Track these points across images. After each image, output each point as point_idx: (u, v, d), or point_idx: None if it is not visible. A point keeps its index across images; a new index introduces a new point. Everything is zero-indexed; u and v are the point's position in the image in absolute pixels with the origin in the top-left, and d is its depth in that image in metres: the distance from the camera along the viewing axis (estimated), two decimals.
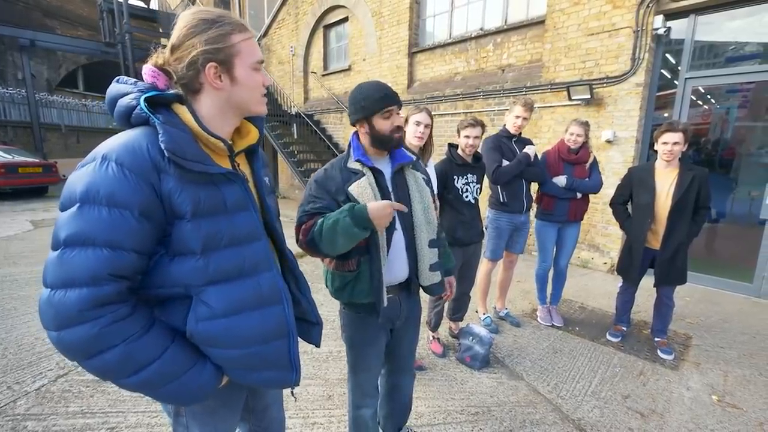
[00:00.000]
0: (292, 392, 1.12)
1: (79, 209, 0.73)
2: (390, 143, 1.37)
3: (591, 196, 3.11)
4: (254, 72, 0.89)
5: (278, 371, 0.97)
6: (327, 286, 1.47)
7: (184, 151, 0.78)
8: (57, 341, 0.74)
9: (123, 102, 0.82)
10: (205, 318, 0.85)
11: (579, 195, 2.99)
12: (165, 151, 0.76)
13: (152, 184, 0.77)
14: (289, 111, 9.72)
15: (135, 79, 0.85)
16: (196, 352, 0.88)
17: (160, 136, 0.77)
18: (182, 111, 0.85)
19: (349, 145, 1.42)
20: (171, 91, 0.86)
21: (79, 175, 0.76)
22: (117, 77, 0.87)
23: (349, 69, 8.43)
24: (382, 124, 1.34)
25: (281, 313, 0.95)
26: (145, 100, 0.79)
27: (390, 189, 1.40)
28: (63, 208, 0.76)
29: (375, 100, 1.32)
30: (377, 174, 1.37)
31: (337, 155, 9.08)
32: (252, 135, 1.01)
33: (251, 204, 0.93)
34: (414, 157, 1.48)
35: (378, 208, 1.20)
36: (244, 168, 1.01)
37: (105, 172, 0.74)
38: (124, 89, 0.83)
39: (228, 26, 0.85)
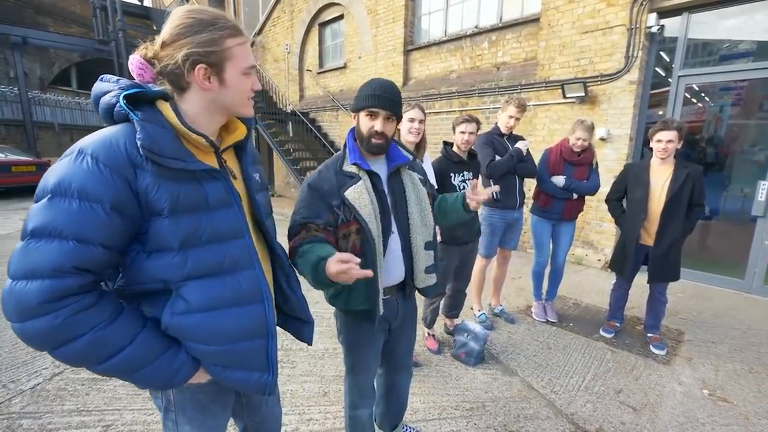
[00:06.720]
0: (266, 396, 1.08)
1: (50, 201, 0.73)
2: (363, 143, 1.34)
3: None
4: (244, 77, 0.89)
5: (254, 371, 0.97)
6: (323, 292, 1.43)
7: (162, 147, 0.78)
8: (20, 333, 0.73)
9: (105, 99, 0.82)
10: (181, 312, 0.85)
11: (575, 196, 3.00)
12: (140, 149, 0.76)
13: (127, 179, 0.76)
14: (284, 109, 9.69)
15: (118, 77, 0.85)
16: (168, 337, 0.88)
17: (137, 132, 0.77)
18: (165, 108, 0.84)
19: (345, 146, 1.38)
20: (156, 88, 0.85)
21: (55, 168, 0.76)
22: (101, 75, 0.87)
23: (344, 67, 8.42)
24: (363, 122, 1.33)
25: (260, 312, 0.95)
26: (127, 97, 0.79)
27: (387, 192, 1.38)
28: (36, 200, 0.75)
29: (364, 96, 1.32)
30: (373, 177, 1.34)
31: (333, 153, 9.06)
32: (240, 131, 1.00)
33: (235, 201, 0.92)
34: (410, 157, 1.45)
35: (338, 270, 1.03)
36: (232, 164, 1.00)
37: (79, 165, 0.74)
38: (106, 87, 0.83)
39: (223, 30, 0.84)
